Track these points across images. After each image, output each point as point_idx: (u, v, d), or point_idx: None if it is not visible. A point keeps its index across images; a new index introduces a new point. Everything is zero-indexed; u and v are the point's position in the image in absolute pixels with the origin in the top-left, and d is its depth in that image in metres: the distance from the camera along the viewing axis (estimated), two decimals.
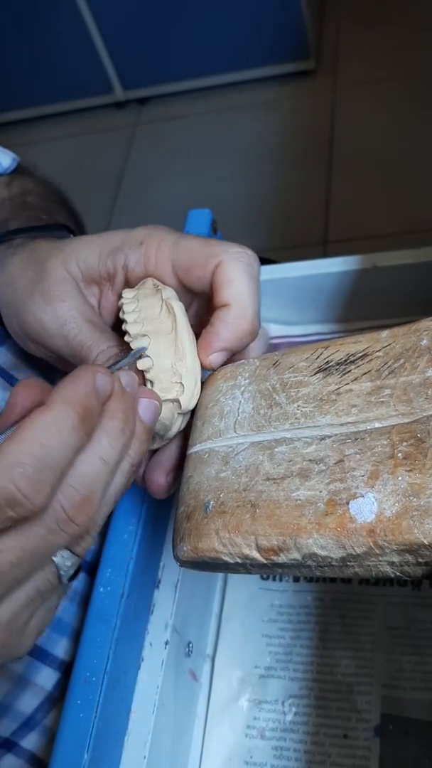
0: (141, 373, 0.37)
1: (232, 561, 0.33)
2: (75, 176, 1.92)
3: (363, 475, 0.30)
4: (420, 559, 0.28)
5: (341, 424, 0.32)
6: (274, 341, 0.61)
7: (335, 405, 0.33)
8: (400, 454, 0.30)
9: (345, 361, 0.34)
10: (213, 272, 0.38)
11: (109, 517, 0.46)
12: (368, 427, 0.31)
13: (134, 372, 0.36)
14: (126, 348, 0.38)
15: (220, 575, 0.55)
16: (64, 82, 2.13)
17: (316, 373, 0.35)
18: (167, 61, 2.05)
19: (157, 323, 0.38)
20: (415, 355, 0.32)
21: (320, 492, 0.31)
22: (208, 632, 0.53)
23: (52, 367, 0.45)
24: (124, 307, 0.39)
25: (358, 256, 0.55)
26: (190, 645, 0.49)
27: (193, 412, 0.39)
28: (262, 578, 0.54)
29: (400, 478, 0.29)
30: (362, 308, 0.57)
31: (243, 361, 0.39)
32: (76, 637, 0.45)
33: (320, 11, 2.11)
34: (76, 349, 0.39)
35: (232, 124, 2.02)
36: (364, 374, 0.33)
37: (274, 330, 0.61)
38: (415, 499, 0.28)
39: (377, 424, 0.31)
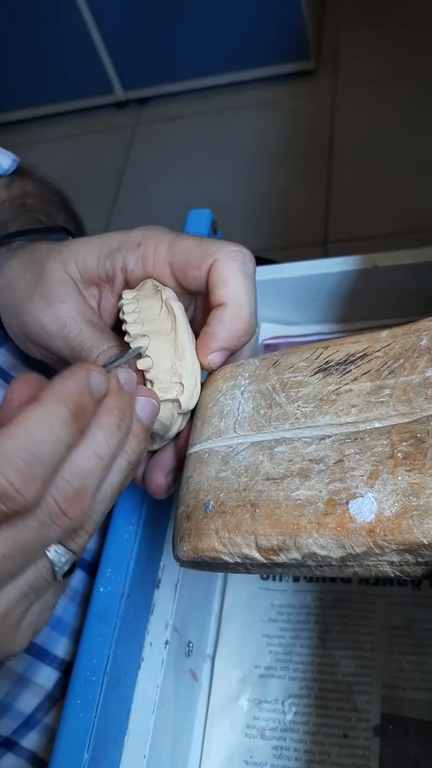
0: (141, 373, 0.37)
1: (232, 561, 0.33)
2: (75, 176, 1.93)
3: (363, 475, 0.30)
4: (419, 559, 0.29)
5: (341, 424, 0.32)
6: (275, 341, 0.61)
7: (335, 405, 0.33)
8: (399, 454, 0.30)
9: (345, 361, 0.34)
10: (208, 271, 0.38)
11: (109, 517, 0.46)
12: (368, 427, 0.31)
13: (134, 372, 0.36)
14: (126, 349, 0.38)
15: (220, 575, 0.55)
16: (64, 82, 2.13)
17: (316, 373, 0.35)
18: (167, 61, 2.05)
19: (156, 323, 0.38)
20: (415, 355, 0.32)
21: (320, 492, 0.31)
22: (208, 632, 0.53)
23: (51, 368, 0.45)
24: (124, 308, 0.39)
25: (358, 256, 0.55)
26: (190, 645, 0.50)
27: (193, 412, 0.39)
28: (262, 578, 0.54)
29: (399, 478, 0.29)
30: (362, 308, 0.58)
31: (243, 361, 0.39)
32: (77, 637, 0.46)
33: (320, 11, 2.11)
34: (77, 350, 0.39)
35: (232, 124, 2.02)
36: (363, 374, 0.33)
37: (274, 330, 0.61)
38: (414, 499, 0.28)
39: (377, 424, 0.31)
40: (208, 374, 0.39)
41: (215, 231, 0.56)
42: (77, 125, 2.19)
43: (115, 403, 0.31)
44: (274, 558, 0.31)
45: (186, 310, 0.39)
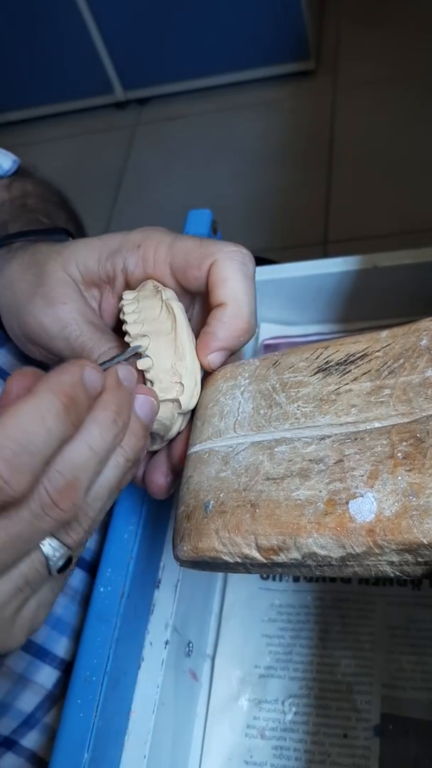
0: (141, 373, 0.37)
1: (232, 561, 0.33)
2: (75, 176, 1.93)
3: (362, 475, 0.30)
4: (419, 559, 0.29)
5: (341, 424, 0.32)
6: (275, 341, 0.61)
7: (335, 405, 0.33)
8: (399, 454, 0.30)
9: (345, 361, 0.34)
10: (208, 272, 0.38)
11: (109, 517, 0.46)
12: (368, 427, 0.32)
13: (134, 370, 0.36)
14: (126, 349, 0.38)
15: (220, 575, 0.55)
16: (65, 83, 2.13)
17: (315, 373, 0.35)
18: (167, 61, 2.05)
19: (157, 324, 0.38)
20: (415, 355, 0.32)
21: (320, 492, 0.31)
22: (208, 632, 0.53)
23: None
24: (125, 308, 0.39)
25: (358, 256, 0.55)
26: (190, 645, 0.50)
27: (193, 412, 0.39)
28: (262, 578, 0.54)
29: (399, 478, 0.29)
30: (362, 308, 0.58)
31: (243, 361, 0.39)
32: (77, 637, 0.46)
33: (320, 11, 2.11)
34: (78, 350, 0.39)
35: (232, 124, 2.02)
36: (363, 374, 0.33)
37: (274, 330, 0.61)
38: (414, 499, 0.28)
39: (377, 424, 0.31)
40: (207, 374, 0.39)
41: (215, 231, 0.56)
42: (77, 125, 2.19)
43: (111, 399, 0.31)
44: (274, 558, 0.31)
45: (187, 311, 0.39)
